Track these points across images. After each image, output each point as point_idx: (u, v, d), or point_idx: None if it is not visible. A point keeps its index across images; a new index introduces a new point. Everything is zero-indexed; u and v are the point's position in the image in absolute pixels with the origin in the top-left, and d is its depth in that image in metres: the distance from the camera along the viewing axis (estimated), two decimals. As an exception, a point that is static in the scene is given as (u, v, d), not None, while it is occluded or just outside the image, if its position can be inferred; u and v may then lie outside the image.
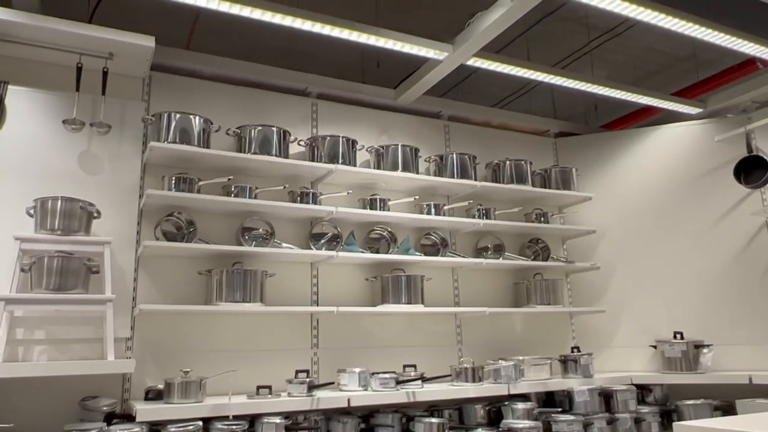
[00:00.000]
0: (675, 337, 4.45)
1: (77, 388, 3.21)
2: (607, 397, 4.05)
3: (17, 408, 3.06)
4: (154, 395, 3.25)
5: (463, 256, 4.38)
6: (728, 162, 4.73)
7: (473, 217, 4.46)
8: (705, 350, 4.36)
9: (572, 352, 4.34)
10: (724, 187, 4.77)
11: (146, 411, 2.94)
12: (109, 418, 3.06)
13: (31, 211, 3.14)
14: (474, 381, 3.86)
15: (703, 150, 4.91)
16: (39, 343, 3.23)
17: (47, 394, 3.17)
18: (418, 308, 4.03)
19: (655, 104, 4.88)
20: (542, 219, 4.78)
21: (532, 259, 4.74)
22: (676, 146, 4.98)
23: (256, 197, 3.72)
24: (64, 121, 3.39)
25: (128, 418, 3.00)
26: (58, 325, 3.27)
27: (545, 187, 4.86)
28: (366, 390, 3.52)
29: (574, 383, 4.06)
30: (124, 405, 3.31)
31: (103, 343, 3.05)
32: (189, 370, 3.15)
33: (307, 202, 3.85)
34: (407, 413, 3.69)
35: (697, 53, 5.14)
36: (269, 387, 3.34)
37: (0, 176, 3.28)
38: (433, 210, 4.32)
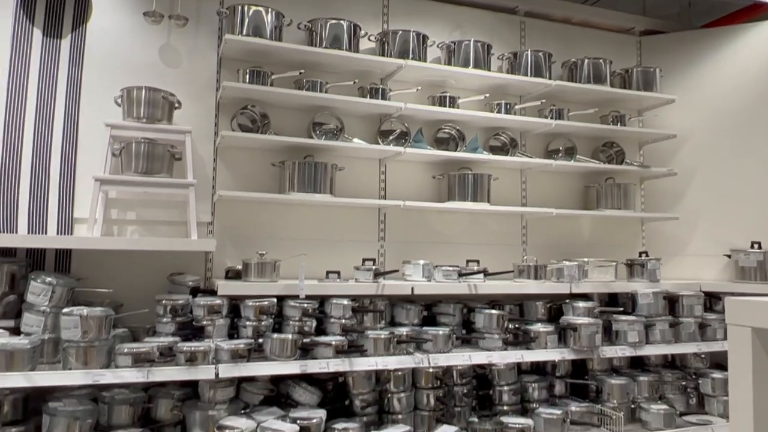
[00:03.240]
0: (752, 246, 4.30)
1: (166, 264, 3.52)
2: (672, 301, 4.02)
3: (115, 278, 3.42)
4: (233, 275, 3.53)
5: (533, 158, 4.33)
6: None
7: (545, 117, 4.36)
8: (783, 261, 4.20)
9: (640, 256, 4.30)
10: (827, 90, 4.38)
11: (226, 286, 3.22)
12: (194, 292, 3.37)
13: (119, 100, 3.34)
14: (536, 278, 3.93)
15: (808, 48, 4.48)
16: (131, 223, 3.55)
17: (140, 268, 3.50)
18: (484, 206, 4.07)
19: (756, -4, 4.45)
20: (619, 122, 4.60)
21: (605, 164, 4.61)
22: (777, 44, 4.57)
23: (326, 92, 3.78)
24: (144, 14, 3.51)
25: (211, 292, 3.30)
26: (147, 208, 3.55)
27: (625, 88, 4.64)
28: (429, 281, 3.67)
29: (639, 286, 4.05)
30: (207, 282, 3.62)
31: (187, 225, 3.30)
32: (264, 252, 3.38)
33: (377, 98, 3.88)
34: (468, 305, 3.83)
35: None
36: (338, 272, 3.54)
37: (88, 67, 3.49)
38: (503, 109, 4.25)
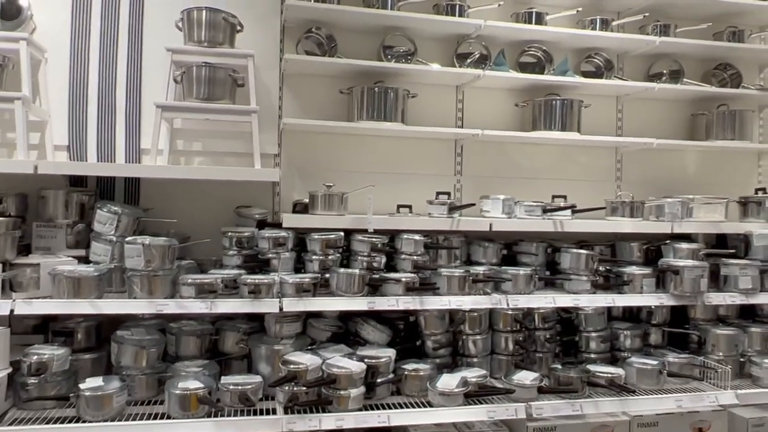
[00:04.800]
0: None
1: (233, 197, 3.40)
2: (794, 244, 3.49)
3: (181, 210, 3.34)
4: (300, 208, 3.37)
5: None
6: None
7: (647, 34, 3.81)
8: None
9: (756, 193, 3.75)
10: None
11: (292, 218, 3.06)
12: (261, 225, 3.24)
13: (180, 24, 3.18)
14: (632, 216, 3.51)
15: None
16: (197, 154, 3.44)
17: (208, 200, 3.41)
18: (573, 135, 3.66)
19: None
20: (737, 38, 3.97)
21: (718, 88, 4.01)
22: None
23: (398, 10, 3.45)
24: (204, -70, 3.29)
25: (278, 225, 3.15)
26: (213, 138, 3.43)
27: (745, -1, 3.97)
28: (509, 218, 3.35)
29: (754, 227, 3.53)
30: (274, 215, 3.49)
31: (253, 155, 3.15)
32: (332, 184, 3.18)
33: (453, 15, 3.50)
34: (553, 244, 3.50)
35: None
36: (409, 206, 3.30)
37: (151, -8, 3.34)
38: (598, 25, 3.75)
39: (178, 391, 2.54)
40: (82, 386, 2.52)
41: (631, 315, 3.63)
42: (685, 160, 4.18)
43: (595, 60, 3.93)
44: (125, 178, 3.33)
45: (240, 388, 2.63)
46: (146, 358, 2.77)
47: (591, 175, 4.03)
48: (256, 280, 2.79)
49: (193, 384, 2.59)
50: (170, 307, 2.68)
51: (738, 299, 3.31)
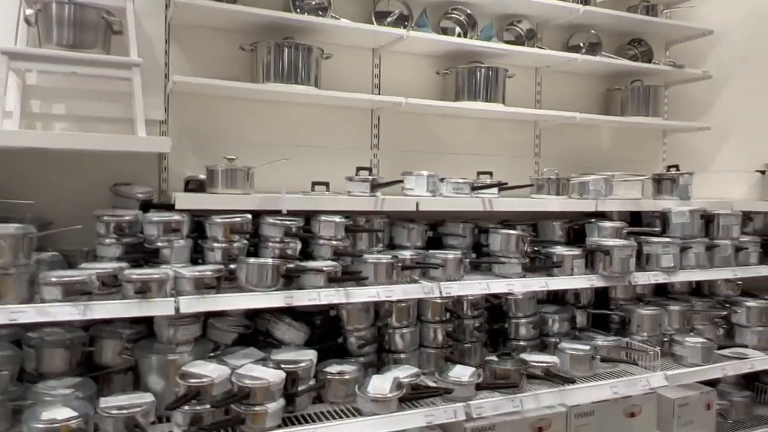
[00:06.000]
0: (792, 160, 3.79)
1: (108, 173, 2.77)
2: (707, 221, 3.50)
3: (41, 187, 2.67)
4: (195, 186, 2.81)
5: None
6: None
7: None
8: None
9: (668, 170, 3.74)
10: None
11: (187, 198, 2.52)
12: (145, 207, 2.66)
13: (32, -52, 2.47)
14: (557, 194, 3.34)
15: None
16: (60, 119, 2.77)
17: (74, 175, 2.76)
18: (498, 107, 3.41)
19: None
20: (651, 13, 3.92)
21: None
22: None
23: (309, -46, 2.97)
24: None
25: (167, 207, 2.60)
26: (80, 100, 2.77)
27: (657, -27, 3.92)
28: (434, 196, 3.03)
29: (671, 204, 3.51)
30: (162, 195, 2.91)
31: (134, 121, 2.54)
32: (234, 157, 2.67)
33: (372, -35, 3.09)
34: (479, 225, 3.24)
35: None
36: (326, 183, 2.87)
37: None
38: (523, -10, 3.50)
39: (41, 425, 1.95)
40: None
41: (555, 297, 3.48)
42: (599, 136, 4.12)
43: (517, 28, 3.70)
44: (-39, 148, 2.58)
45: (126, 412, 2.10)
46: (-5, 381, 2.13)
47: (509, 150, 3.82)
48: (144, 276, 2.23)
49: (63, 412, 2.01)
50: (28, 314, 2.06)
51: (661, 278, 3.25)
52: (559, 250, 3.13)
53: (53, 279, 2.12)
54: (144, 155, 2.85)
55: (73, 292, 2.13)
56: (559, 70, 3.83)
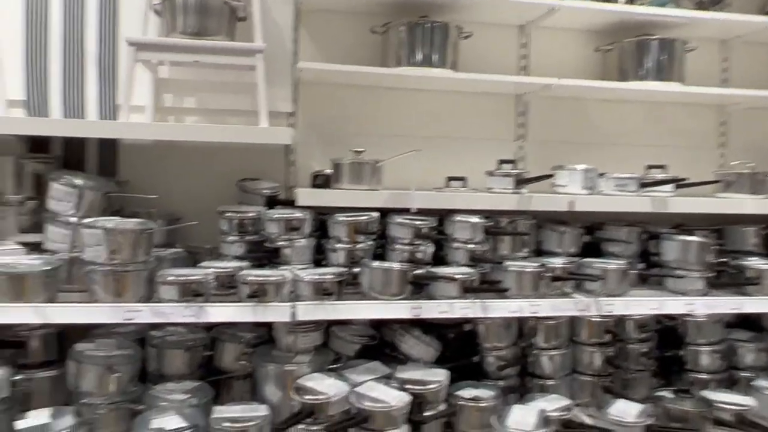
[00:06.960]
0: None
1: (237, 168, 2.66)
2: None
3: (167, 181, 2.62)
4: (321, 181, 2.61)
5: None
6: None
7: (772, -45, 2.93)
8: None
9: None
10: None
11: (309, 194, 2.33)
12: (271, 203, 2.51)
13: (162, -62, 2.42)
14: (753, 193, 2.69)
15: None
16: (190, 112, 2.71)
17: (202, 170, 2.68)
18: (675, 87, 2.82)
19: None
20: None
21: None
22: None
23: None
24: None
25: (291, 204, 2.42)
26: (210, 92, 2.69)
27: None
28: (592, 194, 2.56)
29: None
30: (288, 192, 2.74)
31: (258, 112, 2.40)
32: (362, 150, 2.42)
33: (521, -74, 2.67)
34: (648, 229, 2.69)
35: None
36: (462, 179, 2.52)
37: None
38: (708, -59, 2.88)
39: (149, 436, 1.83)
40: (19, 425, 1.83)
41: (747, 321, 2.81)
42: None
43: (697, -9, 3.06)
44: (99, 143, 2.60)
45: (238, 426, 1.92)
46: (114, 382, 2.05)
47: (686, 140, 3.19)
48: (260, 278, 2.05)
49: (173, 422, 1.88)
50: (143, 314, 1.97)
51: None
52: (756, 262, 2.51)
53: (169, 278, 2.02)
54: (270, 149, 2.71)
55: (189, 293, 2.00)
56: (752, 40, 3.12)
